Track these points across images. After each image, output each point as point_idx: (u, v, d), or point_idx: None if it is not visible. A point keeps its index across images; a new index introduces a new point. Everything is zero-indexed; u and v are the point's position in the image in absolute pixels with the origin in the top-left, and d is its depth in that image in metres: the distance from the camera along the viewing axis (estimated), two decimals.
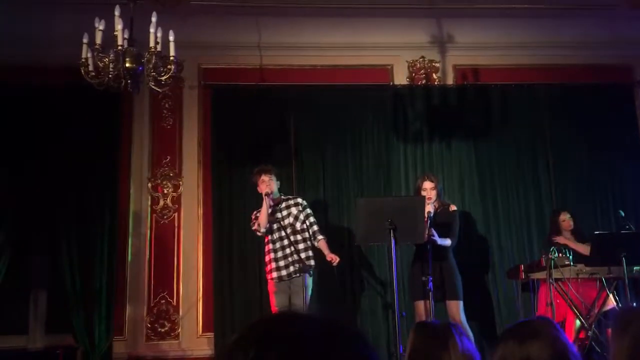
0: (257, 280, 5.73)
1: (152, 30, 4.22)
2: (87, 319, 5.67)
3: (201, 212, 6.18)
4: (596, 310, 5.02)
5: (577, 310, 5.04)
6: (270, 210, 5.02)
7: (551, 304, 4.81)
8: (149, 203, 6.16)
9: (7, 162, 5.87)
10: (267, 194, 4.98)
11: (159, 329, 5.92)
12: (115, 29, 4.18)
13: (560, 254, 4.98)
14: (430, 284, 4.47)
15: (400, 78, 6.58)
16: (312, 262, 5.02)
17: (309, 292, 4.92)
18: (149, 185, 6.19)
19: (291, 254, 5.00)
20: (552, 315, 4.73)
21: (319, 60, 6.49)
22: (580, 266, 4.99)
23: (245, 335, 0.92)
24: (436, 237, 4.75)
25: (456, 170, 6.35)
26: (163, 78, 4.31)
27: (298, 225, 5.09)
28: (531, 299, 5.32)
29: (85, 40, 4.29)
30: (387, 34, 6.46)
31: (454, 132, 6.40)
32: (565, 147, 6.46)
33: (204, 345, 5.94)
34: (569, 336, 5.24)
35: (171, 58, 4.28)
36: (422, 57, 6.60)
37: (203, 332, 5.97)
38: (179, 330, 5.95)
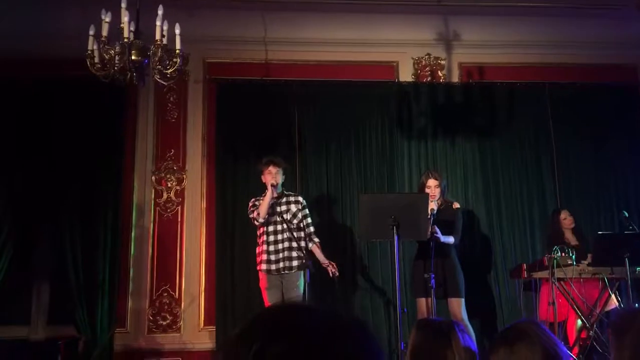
0: (259, 275, 5.74)
1: (158, 23, 4.22)
2: (89, 311, 5.69)
3: (204, 205, 6.19)
4: (598, 310, 5.01)
5: (579, 310, 5.04)
6: (271, 203, 5.02)
7: (553, 303, 4.80)
8: (153, 196, 6.17)
9: (11, 154, 5.88)
10: (273, 185, 4.97)
11: (161, 322, 5.94)
12: (122, 22, 4.18)
13: (563, 254, 4.98)
14: (433, 281, 4.47)
15: (406, 75, 6.57)
16: (304, 261, 4.91)
17: (301, 289, 4.91)
18: (153, 178, 6.20)
19: (283, 250, 4.99)
20: (553, 315, 4.73)
21: (324, 55, 6.48)
22: (582, 266, 4.98)
23: (249, 327, 0.92)
24: (439, 235, 4.75)
25: (460, 168, 6.34)
26: (168, 71, 4.31)
27: (295, 223, 5.07)
28: (533, 298, 5.32)
29: (91, 32, 4.29)
30: (393, 30, 6.45)
31: (458, 130, 6.39)
32: (570, 147, 6.45)
33: (206, 338, 5.95)
34: (570, 336, 5.24)
35: (177, 51, 4.28)
36: (428, 54, 6.59)
37: (204, 325, 5.99)
38: (181, 323, 5.96)
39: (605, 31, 6.52)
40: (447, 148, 6.37)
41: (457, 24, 6.52)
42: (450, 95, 6.48)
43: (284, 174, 5.17)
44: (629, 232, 5.25)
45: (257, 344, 0.86)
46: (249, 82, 6.34)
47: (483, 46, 6.56)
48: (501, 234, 6.23)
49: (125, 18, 4.16)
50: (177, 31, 4.32)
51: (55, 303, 5.90)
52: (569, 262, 4.91)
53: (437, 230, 4.75)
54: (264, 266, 5.00)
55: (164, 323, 5.94)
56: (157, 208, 6.15)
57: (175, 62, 4.26)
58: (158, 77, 4.35)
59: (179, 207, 6.17)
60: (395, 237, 4.37)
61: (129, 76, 4.26)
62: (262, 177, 5.13)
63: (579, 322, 5.12)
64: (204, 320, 6.00)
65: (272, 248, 5.01)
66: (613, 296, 5.07)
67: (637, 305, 4.87)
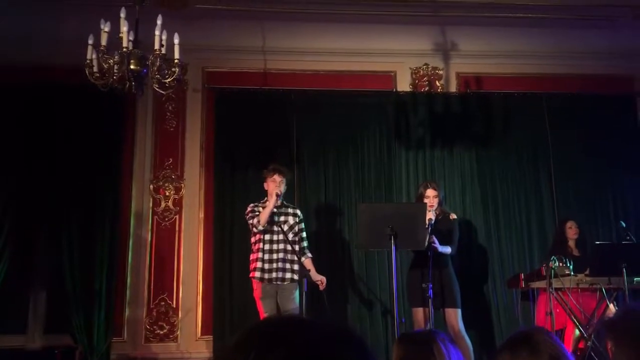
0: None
1: (157, 32, 4.23)
2: (86, 320, 5.67)
3: (202, 214, 6.19)
4: (596, 321, 5.00)
5: (577, 320, 5.03)
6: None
7: (551, 313, 4.79)
8: (151, 205, 6.17)
9: (9, 162, 5.88)
10: (278, 195, 4.98)
11: (158, 331, 5.92)
12: (121, 31, 4.19)
13: (561, 263, 4.98)
14: (430, 291, 4.47)
15: (404, 85, 6.60)
16: (296, 275, 4.95)
17: (297, 300, 4.90)
18: (151, 187, 6.20)
19: (277, 260, 4.97)
20: (551, 325, 4.72)
21: (323, 65, 6.51)
22: (580, 276, 4.98)
23: (245, 338, 0.92)
24: (437, 245, 4.76)
25: (458, 177, 6.35)
26: (167, 80, 4.32)
27: (291, 236, 5.05)
28: (531, 308, 5.31)
29: (90, 42, 4.30)
30: (391, 40, 6.48)
31: (456, 140, 6.41)
32: (567, 157, 6.47)
33: (202, 348, 5.93)
34: (568, 346, 5.23)
35: (176, 61, 4.30)
36: (426, 64, 6.62)
37: (202, 334, 5.98)
38: (178, 332, 5.95)
39: (602, 42, 6.57)
40: (445, 158, 6.38)
41: (455, 34, 6.56)
42: (448, 105, 6.50)
43: (286, 184, 5.18)
44: (626, 242, 5.26)
45: (253, 353, 0.87)
46: (248, 91, 6.36)
47: (480, 56, 6.60)
48: (499, 244, 6.23)
49: (124, 28, 4.18)
50: (176, 41, 4.33)
51: (52, 312, 5.88)
52: (567, 272, 4.91)
53: (435, 240, 4.75)
54: (257, 274, 4.97)
55: (161, 332, 5.92)
56: (155, 217, 6.15)
57: (174, 72, 4.28)
58: (157, 86, 4.36)
59: (177, 216, 6.17)
60: (393, 247, 4.36)
61: (127, 85, 4.27)
62: (265, 184, 5.13)
63: (577, 332, 5.11)
64: (201, 330, 5.98)
65: (267, 257, 4.99)
66: (611, 306, 5.06)
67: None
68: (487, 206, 6.32)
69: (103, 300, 5.74)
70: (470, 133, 6.45)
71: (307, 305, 4.78)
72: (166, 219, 6.15)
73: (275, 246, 4.98)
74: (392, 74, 6.63)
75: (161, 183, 6.21)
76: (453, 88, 6.63)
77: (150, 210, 6.15)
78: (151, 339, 5.91)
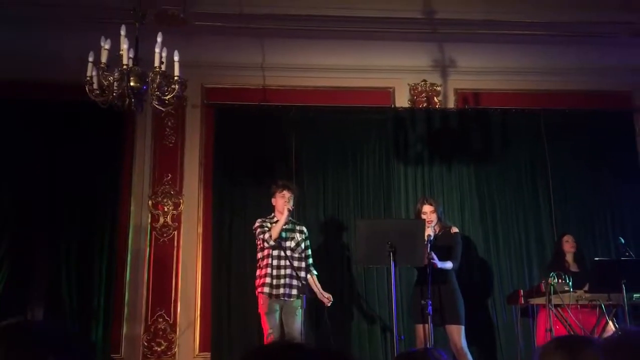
0: (256, 301, 5.70)
1: (157, 50, 4.26)
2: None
3: (201, 230, 6.18)
4: (596, 337, 4.99)
5: None
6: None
7: (550, 329, 4.78)
8: (149, 220, 6.16)
9: (9, 177, 5.88)
10: (290, 211, 5.02)
11: (156, 348, 5.88)
12: (121, 48, 4.21)
13: (560, 280, 4.97)
14: (430, 308, 4.44)
15: (402, 101, 6.62)
16: (304, 283, 4.99)
17: (300, 316, 4.89)
18: (150, 202, 6.20)
19: (285, 277, 4.98)
20: None
21: (321, 81, 6.53)
22: (579, 292, 4.97)
23: None
24: (436, 261, 4.74)
25: (456, 193, 6.36)
26: (167, 97, 4.34)
27: (297, 252, 5.10)
28: (530, 324, 5.30)
29: (90, 59, 4.32)
30: (390, 57, 6.52)
31: (454, 156, 6.43)
32: (565, 173, 6.48)
33: None
34: None
35: (175, 78, 4.31)
36: (424, 80, 6.65)
37: (200, 351, 5.94)
38: (176, 349, 5.91)
39: (599, 58, 6.61)
40: (444, 173, 6.39)
41: (453, 50, 6.60)
42: (446, 121, 6.52)
43: (294, 200, 5.20)
44: (625, 258, 5.25)
45: None
46: (247, 107, 6.39)
47: (478, 73, 6.63)
48: (498, 259, 6.23)
49: (124, 45, 4.20)
50: (176, 58, 4.35)
51: None
52: (566, 288, 4.90)
53: (434, 256, 4.74)
54: (265, 289, 4.99)
55: (159, 349, 5.88)
56: (154, 232, 6.14)
57: (174, 89, 4.29)
58: (156, 103, 4.37)
59: (176, 232, 6.16)
60: (392, 264, 4.35)
61: (127, 102, 4.28)
62: (273, 200, 5.16)
63: None
64: (200, 346, 5.94)
65: (274, 272, 5.00)
66: (610, 323, 5.05)
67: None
68: (486, 222, 6.32)
69: (101, 316, 5.72)
70: (469, 149, 6.47)
71: (305, 322, 4.76)
72: (165, 235, 6.14)
73: (282, 262, 4.98)
74: (391, 90, 6.66)
75: (160, 199, 6.21)
76: (451, 104, 6.66)
77: (149, 226, 6.14)
78: (149, 355, 5.87)
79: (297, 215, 5.88)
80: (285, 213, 4.98)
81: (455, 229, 5.18)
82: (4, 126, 5.93)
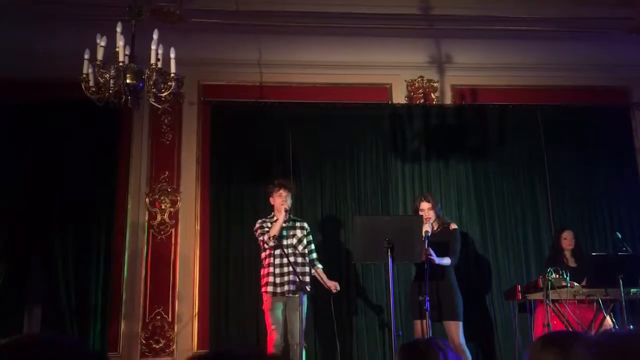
0: (254, 298, 5.70)
1: (153, 47, 4.24)
2: (81, 334, 5.62)
3: (198, 227, 6.17)
4: (593, 332, 5.00)
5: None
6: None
7: (548, 325, 4.79)
8: (147, 218, 6.15)
9: (3, 175, 5.86)
10: (287, 210, 5.07)
11: (154, 345, 5.88)
12: (117, 45, 4.20)
13: (557, 275, 4.98)
14: (427, 304, 4.45)
15: (399, 97, 6.62)
16: (308, 279, 5.06)
17: (305, 310, 4.91)
18: (147, 200, 6.19)
19: (288, 274, 5.03)
20: None
21: (318, 78, 6.53)
22: (577, 287, 4.98)
23: None
24: (434, 257, 4.75)
25: (454, 189, 6.37)
26: (163, 94, 4.33)
27: (300, 248, 5.16)
28: (528, 319, 5.30)
29: (86, 56, 4.31)
30: (387, 53, 6.51)
31: (451, 152, 6.43)
32: (562, 168, 6.49)
33: None
34: None
35: (172, 75, 4.30)
36: (421, 76, 6.65)
37: (198, 348, 5.93)
38: (174, 347, 5.90)
39: (597, 54, 6.61)
40: (441, 169, 6.40)
41: (450, 46, 6.59)
42: (443, 117, 6.53)
43: (291, 198, 5.21)
44: (622, 253, 5.26)
45: None
46: (244, 104, 6.37)
47: (475, 69, 6.63)
48: (495, 255, 6.23)
49: (120, 42, 4.19)
50: (173, 55, 4.35)
51: (46, 327, 5.82)
52: (564, 283, 4.91)
53: (432, 252, 4.74)
54: (269, 288, 5.04)
55: (157, 347, 5.88)
56: (151, 230, 6.13)
57: (170, 86, 4.28)
58: (153, 100, 4.36)
59: (173, 229, 6.15)
60: (390, 260, 4.35)
61: (123, 99, 4.27)
62: (271, 199, 5.21)
63: None
64: (197, 344, 5.94)
65: (277, 271, 5.05)
66: (608, 318, 5.06)
67: (631, 327, 4.86)
68: (483, 218, 6.32)
69: (98, 314, 5.71)
70: (466, 145, 6.47)
71: (307, 318, 4.80)
72: (162, 232, 6.13)
73: (285, 260, 5.01)
74: (388, 86, 6.66)
75: (157, 196, 6.20)
76: (448, 100, 6.66)
77: (146, 224, 6.13)
78: (147, 353, 5.86)
79: (295, 213, 5.87)
80: (283, 213, 5.03)
81: (454, 226, 5.19)
82: None
